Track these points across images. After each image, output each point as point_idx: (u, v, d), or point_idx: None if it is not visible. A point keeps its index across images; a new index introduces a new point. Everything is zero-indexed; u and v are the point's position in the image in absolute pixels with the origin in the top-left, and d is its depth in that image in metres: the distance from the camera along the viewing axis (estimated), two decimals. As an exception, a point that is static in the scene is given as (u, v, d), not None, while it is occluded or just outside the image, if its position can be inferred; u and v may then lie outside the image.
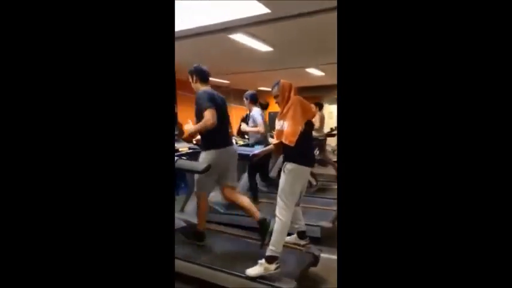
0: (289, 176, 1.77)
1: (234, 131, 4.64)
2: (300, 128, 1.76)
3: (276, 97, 1.92)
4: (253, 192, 3.16)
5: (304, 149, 1.80)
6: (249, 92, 3.43)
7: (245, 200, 2.17)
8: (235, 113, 6.71)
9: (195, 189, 2.18)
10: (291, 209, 1.77)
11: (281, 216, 1.74)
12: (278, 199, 1.77)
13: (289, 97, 1.85)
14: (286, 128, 1.78)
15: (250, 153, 2.25)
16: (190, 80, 2.12)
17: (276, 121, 1.92)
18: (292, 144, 1.74)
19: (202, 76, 2.11)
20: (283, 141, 1.78)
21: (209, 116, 1.91)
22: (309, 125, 1.87)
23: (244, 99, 3.43)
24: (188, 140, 2.59)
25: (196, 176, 2.11)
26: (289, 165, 1.77)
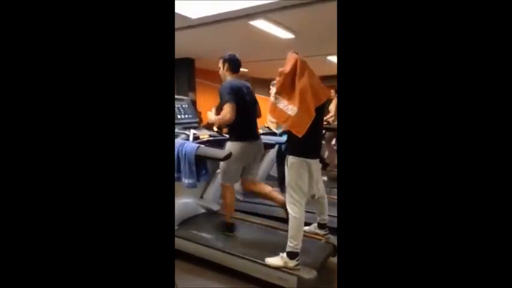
0: (292, 170, 1.69)
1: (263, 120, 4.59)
2: (311, 117, 1.58)
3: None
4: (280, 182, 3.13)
5: (307, 140, 1.66)
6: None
7: (265, 187, 2.19)
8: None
9: (220, 180, 2.18)
10: (301, 204, 1.70)
11: (293, 212, 1.69)
12: (286, 194, 1.73)
13: (294, 71, 1.61)
14: (294, 115, 1.57)
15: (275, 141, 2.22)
16: (221, 66, 2.09)
17: (280, 99, 1.64)
18: (300, 135, 1.56)
19: (234, 66, 2.08)
20: (290, 129, 1.61)
21: (226, 111, 1.89)
22: (318, 113, 1.68)
23: (271, 86, 3.38)
24: (209, 127, 2.60)
25: (221, 167, 2.10)
26: (290, 159, 1.70)
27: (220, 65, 2.10)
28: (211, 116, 2.08)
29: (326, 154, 4.39)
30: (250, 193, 2.41)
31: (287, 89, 1.65)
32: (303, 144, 1.67)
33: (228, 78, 2.07)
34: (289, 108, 1.60)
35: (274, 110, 1.65)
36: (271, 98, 1.69)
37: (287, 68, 1.64)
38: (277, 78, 1.69)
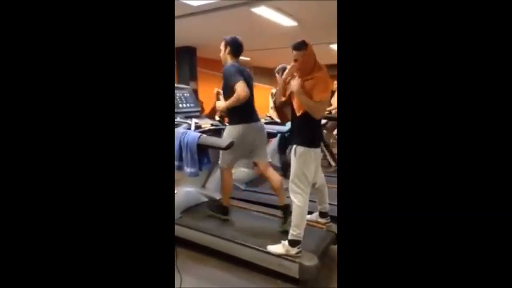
0: (301, 160, 1.71)
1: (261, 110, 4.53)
2: (326, 106, 1.66)
3: (296, 61, 1.70)
4: (283, 170, 3.11)
5: (314, 130, 1.74)
6: (282, 65, 3.33)
7: (276, 181, 2.16)
8: (255, 92, 6.63)
9: (220, 164, 2.20)
10: (306, 193, 1.72)
11: (297, 201, 1.71)
12: (291, 184, 1.74)
13: (313, 68, 1.68)
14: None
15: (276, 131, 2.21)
16: (223, 48, 2.08)
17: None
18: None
19: (236, 50, 2.07)
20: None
21: (240, 88, 1.87)
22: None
23: (276, 73, 3.34)
24: (211, 116, 2.59)
25: (221, 151, 2.12)
26: (299, 149, 1.71)
27: (222, 47, 2.08)
28: (222, 102, 2.05)
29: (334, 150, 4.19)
30: (251, 181, 2.43)
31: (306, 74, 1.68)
32: (312, 134, 1.71)
33: (229, 61, 2.06)
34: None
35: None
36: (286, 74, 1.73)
37: (307, 65, 1.68)
38: (296, 63, 1.70)
